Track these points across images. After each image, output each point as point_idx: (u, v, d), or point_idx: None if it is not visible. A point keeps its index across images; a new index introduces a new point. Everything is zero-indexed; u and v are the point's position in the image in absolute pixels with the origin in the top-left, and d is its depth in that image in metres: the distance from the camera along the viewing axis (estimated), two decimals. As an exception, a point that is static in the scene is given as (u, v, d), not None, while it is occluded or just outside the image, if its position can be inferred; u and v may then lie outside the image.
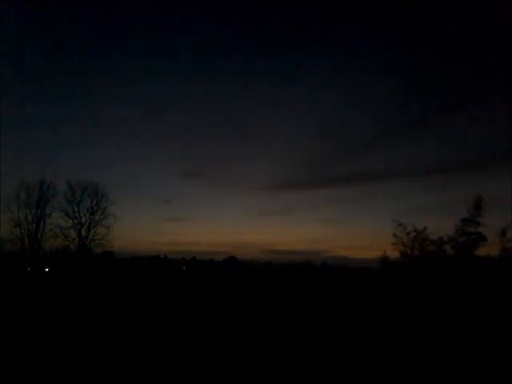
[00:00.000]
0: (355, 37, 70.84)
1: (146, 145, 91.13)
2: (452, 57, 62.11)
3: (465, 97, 66.57)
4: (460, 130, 68.25)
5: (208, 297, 25.84)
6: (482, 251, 25.58)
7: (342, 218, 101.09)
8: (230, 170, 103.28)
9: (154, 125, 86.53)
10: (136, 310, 18.43)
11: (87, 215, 45.02)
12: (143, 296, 25.34)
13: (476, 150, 74.44)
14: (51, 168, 71.08)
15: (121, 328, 13.49)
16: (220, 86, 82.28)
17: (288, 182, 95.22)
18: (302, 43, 75.69)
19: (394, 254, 31.35)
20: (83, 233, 44.74)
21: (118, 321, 15.04)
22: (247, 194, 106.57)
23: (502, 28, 40.07)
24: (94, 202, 45.21)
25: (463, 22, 45.12)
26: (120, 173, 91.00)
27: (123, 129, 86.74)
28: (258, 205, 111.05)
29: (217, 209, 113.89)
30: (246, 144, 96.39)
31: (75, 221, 44.60)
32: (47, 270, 46.81)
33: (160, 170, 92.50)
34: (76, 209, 44.78)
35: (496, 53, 48.01)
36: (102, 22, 70.24)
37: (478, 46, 52.01)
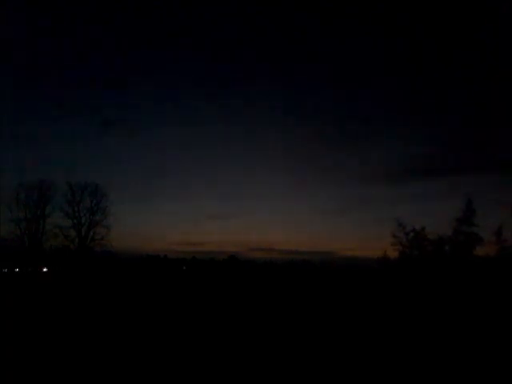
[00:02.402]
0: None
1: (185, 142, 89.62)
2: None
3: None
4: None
5: (206, 296, 25.88)
6: (480, 251, 25.68)
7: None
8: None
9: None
10: (130, 309, 18.49)
11: (87, 215, 45.11)
12: (138, 295, 25.38)
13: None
14: (51, 168, 71.22)
15: (111, 331, 13.54)
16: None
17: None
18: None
19: (394, 254, 31.41)
20: (83, 233, 44.84)
21: (108, 323, 15.08)
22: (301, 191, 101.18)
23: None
24: (94, 202, 45.31)
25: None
26: (155, 171, 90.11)
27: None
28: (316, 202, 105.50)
29: (263, 206, 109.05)
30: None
31: (75, 221, 44.70)
32: (47, 269, 46.88)
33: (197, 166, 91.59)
34: (76, 209, 44.87)
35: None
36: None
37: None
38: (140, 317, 16.09)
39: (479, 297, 22.05)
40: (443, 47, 63.45)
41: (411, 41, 67.02)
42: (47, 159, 76.37)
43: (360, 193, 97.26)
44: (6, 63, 51.97)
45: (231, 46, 78.47)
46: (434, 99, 79.65)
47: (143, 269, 59.08)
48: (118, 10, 62.70)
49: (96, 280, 38.42)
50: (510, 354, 10.61)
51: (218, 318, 16.38)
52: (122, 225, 71.38)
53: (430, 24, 59.14)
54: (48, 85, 76.54)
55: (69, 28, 66.89)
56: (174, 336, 12.30)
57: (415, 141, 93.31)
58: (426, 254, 25.87)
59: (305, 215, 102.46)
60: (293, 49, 79.97)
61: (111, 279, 41.23)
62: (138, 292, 28.79)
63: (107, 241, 45.11)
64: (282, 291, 31.79)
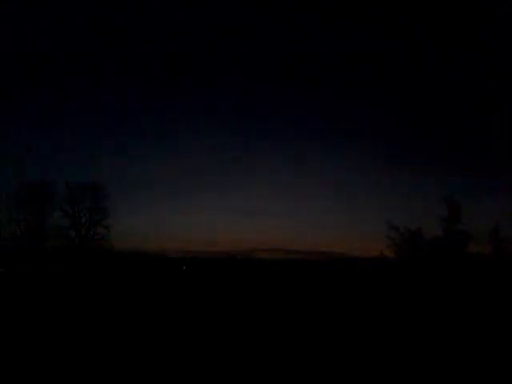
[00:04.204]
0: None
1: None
2: None
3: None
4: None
5: (204, 297, 25.91)
6: (474, 250, 25.90)
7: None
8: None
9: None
10: (126, 309, 18.51)
11: (87, 215, 45.15)
12: (135, 296, 25.40)
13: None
14: (51, 168, 71.29)
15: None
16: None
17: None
18: None
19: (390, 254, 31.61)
20: (83, 232, 44.89)
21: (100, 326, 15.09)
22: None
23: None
24: (94, 201, 45.34)
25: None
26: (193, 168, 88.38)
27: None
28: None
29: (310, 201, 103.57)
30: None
31: (75, 221, 44.73)
32: (47, 269, 46.90)
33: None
34: (76, 209, 44.90)
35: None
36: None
37: None
38: (136, 317, 16.13)
39: (476, 294, 22.11)
40: (443, 47, 63.47)
41: (411, 41, 67.05)
42: (47, 159, 76.51)
43: (361, 193, 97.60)
44: (5, 63, 51.97)
45: (231, 46, 78.52)
46: (433, 99, 79.71)
47: (142, 269, 59.10)
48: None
49: (95, 280, 38.47)
50: (507, 351, 10.66)
51: (210, 318, 16.41)
52: (125, 224, 71.44)
53: (430, 24, 59.15)
54: (48, 85, 76.39)
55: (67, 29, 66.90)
56: (168, 335, 12.35)
57: (414, 140, 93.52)
58: (421, 254, 26.07)
59: (305, 215, 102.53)
60: (293, 49, 79.99)
61: (109, 279, 41.26)
62: (135, 292, 28.81)
63: (107, 241, 45.30)
64: (278, 291, 31.81)
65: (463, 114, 76.56)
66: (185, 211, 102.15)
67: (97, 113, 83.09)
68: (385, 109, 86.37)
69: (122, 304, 21.08)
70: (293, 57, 79.84)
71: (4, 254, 43.79)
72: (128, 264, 58.72)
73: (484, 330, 14.38)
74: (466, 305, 21.64)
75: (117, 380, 7.98)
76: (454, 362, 9.86)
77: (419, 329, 14.47)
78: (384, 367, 9.26)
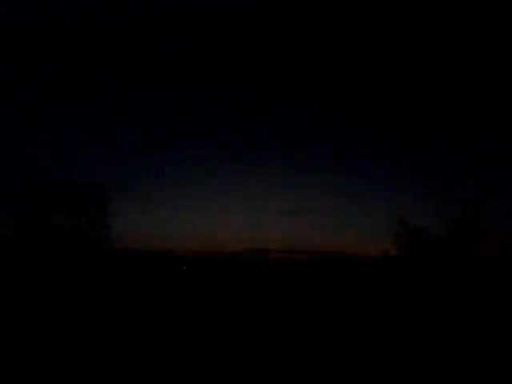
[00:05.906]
0: None
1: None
2: None
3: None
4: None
5: (204, 297, 25.86)
6: (484, 252, 25.76)
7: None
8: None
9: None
10: (125, 310, 18.46)
11: (88, 214, 45.03)
12: (134, 296, 25.36)
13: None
14: (51, 168, 70.95)
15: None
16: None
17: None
18: None
19: (394, 252, 31.47)
20: (84, 232, 44.78)
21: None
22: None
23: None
24: (96, 201, 45.23)
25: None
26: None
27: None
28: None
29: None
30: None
31: (75, 220, 44.63)
32: (47, 270, 46.76)
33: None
34: (76, 208, 44.78)
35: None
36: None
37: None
38: (136, 317, 16.09)
39: (479, 297, 22.02)
40: (443, 47, 63.48)
41: (411, 41, 67.05)
42: (48, 159, 76.19)
43: (361, 192, 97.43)
44: (5, 61, 51.82)
45: (231, 46, 78.49)
46: (432, 99, 79.72)
47: (143, 269, 59.02)
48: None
49: (95, 280, 38.40)
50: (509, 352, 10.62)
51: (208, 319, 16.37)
52: (125, 224, 70.92)
53: (430, 24, 59.14)
54: (48, 85, 76.16)
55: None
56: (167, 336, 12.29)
57: (414, 140, 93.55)
58: (427, 253, 25.95)
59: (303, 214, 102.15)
60: (293, 49, 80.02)
61: (109, 279, 41.20)
62: (136, 292, 28.75)
63: (108, 241, 45.18)
64: (279, 291, 31.76)
65: (465, 113, 76.62)
66: (185, 211, 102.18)
67: (97, 112, 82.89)
68: (384, 109, 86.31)
69: (122, 304, 21.03)
70: (293, 57, 79.74)
71: (4, 254, 43.64)
72: (128, 264, 58.62)
73: (491, 334, 14.36)
74: (476, 309, 21.60)
75: (117, 379, 7.94)
76: (457, 364, 9.83)
77: (421, 329, 14.45)
78: (385, 368, 9.23)
